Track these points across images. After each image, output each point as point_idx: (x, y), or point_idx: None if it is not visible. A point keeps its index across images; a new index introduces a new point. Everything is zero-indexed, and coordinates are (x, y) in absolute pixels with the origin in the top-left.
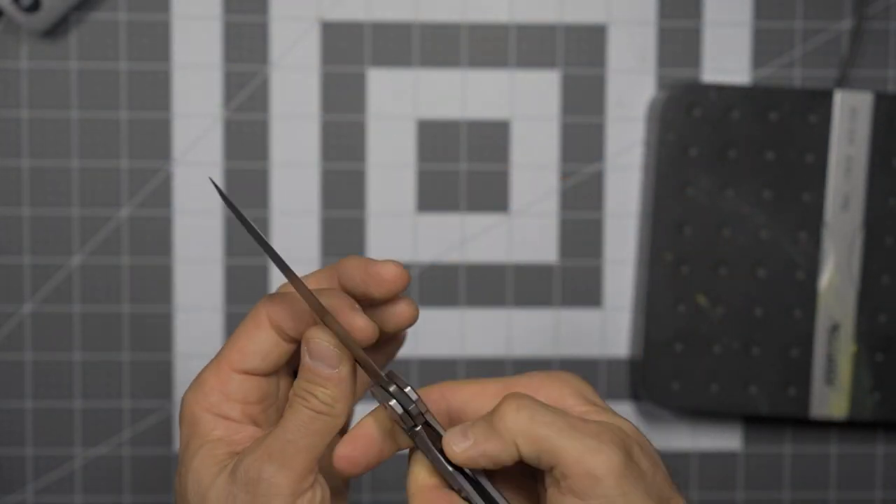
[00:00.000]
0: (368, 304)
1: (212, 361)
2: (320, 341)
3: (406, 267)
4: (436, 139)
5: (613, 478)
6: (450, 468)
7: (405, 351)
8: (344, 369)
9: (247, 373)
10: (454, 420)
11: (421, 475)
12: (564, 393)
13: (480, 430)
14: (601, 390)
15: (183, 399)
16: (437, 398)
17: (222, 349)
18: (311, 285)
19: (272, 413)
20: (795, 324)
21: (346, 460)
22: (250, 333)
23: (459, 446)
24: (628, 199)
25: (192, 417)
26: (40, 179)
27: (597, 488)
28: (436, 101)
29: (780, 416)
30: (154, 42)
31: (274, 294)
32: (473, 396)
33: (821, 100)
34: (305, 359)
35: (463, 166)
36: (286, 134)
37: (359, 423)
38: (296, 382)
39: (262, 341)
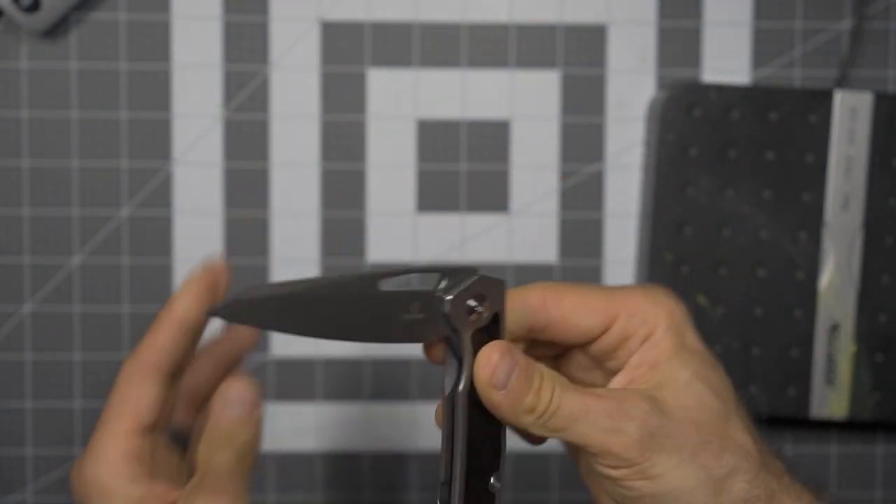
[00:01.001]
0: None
1: (99, 431)
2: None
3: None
4: (436, 139)
5: (635, 451)
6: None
7: (406, 351)
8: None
9: (142, 429)
10: (552, 330)
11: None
12: (659, 322)
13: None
14: None
15: (82, 477)
16: (538, 305)
17: (106, 415)
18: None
19: (161, 466)
20: (795, 324)
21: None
22: (139, 390)
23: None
24: (628, 199)
25: (104, 489)
26: (40, 179)
27: (623, 463)
28: (436, 101)
29: (780, 416)
30: (154, 42)
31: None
32: (574, 309)
33: (821, 100)
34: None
35: (463, 166)
36: (286, 134)
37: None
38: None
39: (152, 395)
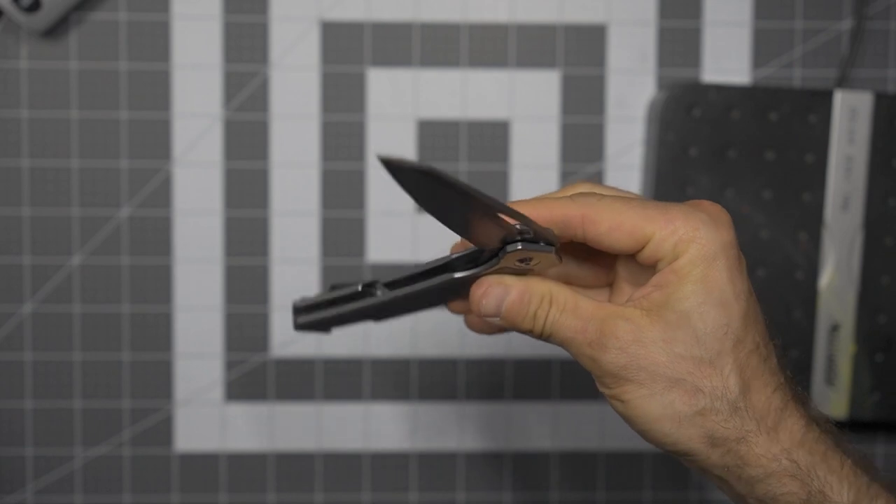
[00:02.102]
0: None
1: None
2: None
3: (406, 267)
4: (436, 139)
5: (608, 378)
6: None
7: (405, 351)
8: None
9: None
10: (592, 244)
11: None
12: (688, 250)
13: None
14: None
15: None
16: (577, 224)
17: None
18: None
19: None
20: (795, 324)
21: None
22: None
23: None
24: None
25: None
26: (40, 179)
27: (605, 379)
28: (436, 101)
29: None
30: (154, 42)
31: None
32: (609, 232)
33: (821, 100)
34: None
35: (463, 166)
36: (286, 134)
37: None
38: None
39: None
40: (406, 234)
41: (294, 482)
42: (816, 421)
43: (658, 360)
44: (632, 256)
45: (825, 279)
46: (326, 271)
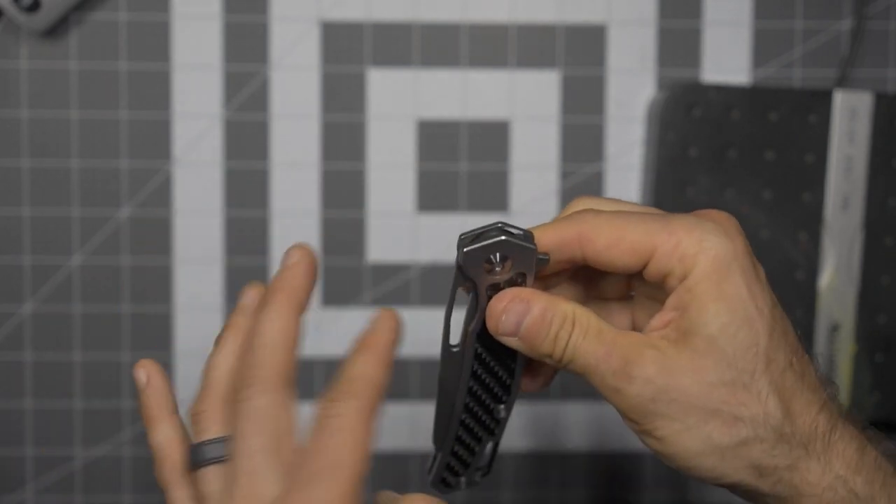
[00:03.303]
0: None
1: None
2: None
3: (406, 267)
4: (436, 139)
5: (635, 414)
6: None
7: (406, 351)
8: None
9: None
10: (592, 263)
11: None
12: (698, 261)
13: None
14: None
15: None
16: (574, 242)
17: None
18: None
19: None
20: (795, 324)
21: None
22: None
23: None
24: (628, 199)
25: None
26: (40, 179)
27: (635, 413)
28: (436, 101)
29: None
30: (154, 42)
31: None
32: (608, 248)
33: (821, 100)
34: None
35: (463, 166)
36: (286, 134)
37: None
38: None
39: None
40: (406, 234)
41: None
42: (870, 442)
43: (690, 390)
44: (639, 274)
45: (825, 279)
46: (326, 271)
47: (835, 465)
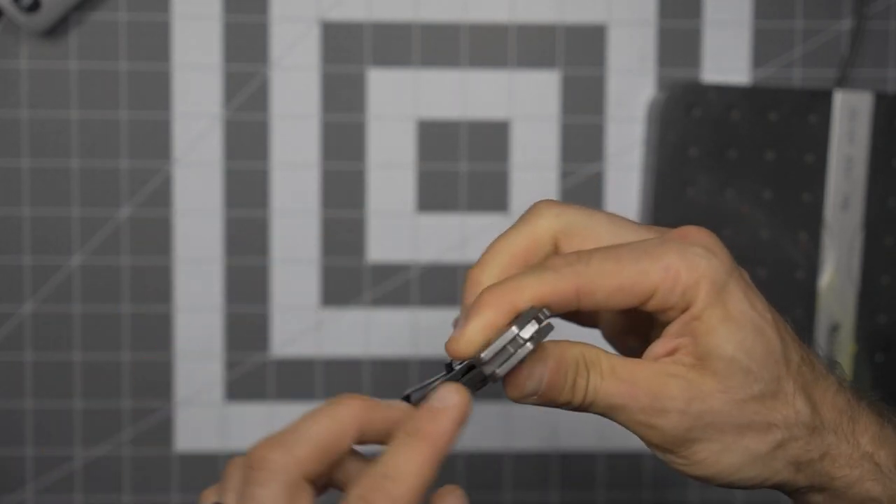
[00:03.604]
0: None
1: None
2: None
3: (406, 267)
4: (436, 139)
5: (671, 444)
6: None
7: (406, 351)
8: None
9: None
10: (583, 310)
11: None
12: (699, 292)
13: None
14: None
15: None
16: (572, 298)
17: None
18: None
19: None
20: (795, 324)
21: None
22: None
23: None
24: (628, 199)
25: None
26: (40, 179)
27: (668, 444)
28: (436, 101)
29: None
30: (154, 42)
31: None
32: (608, 298)
33: (821, 100)
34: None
35: (463, 166)
36: (286, 134)
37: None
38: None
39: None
40: (406, 234)
41: None
42: (886, 414)
43: (723, 410)
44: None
45: (825, 279)
46: (326, 271)
47: (861, 442)
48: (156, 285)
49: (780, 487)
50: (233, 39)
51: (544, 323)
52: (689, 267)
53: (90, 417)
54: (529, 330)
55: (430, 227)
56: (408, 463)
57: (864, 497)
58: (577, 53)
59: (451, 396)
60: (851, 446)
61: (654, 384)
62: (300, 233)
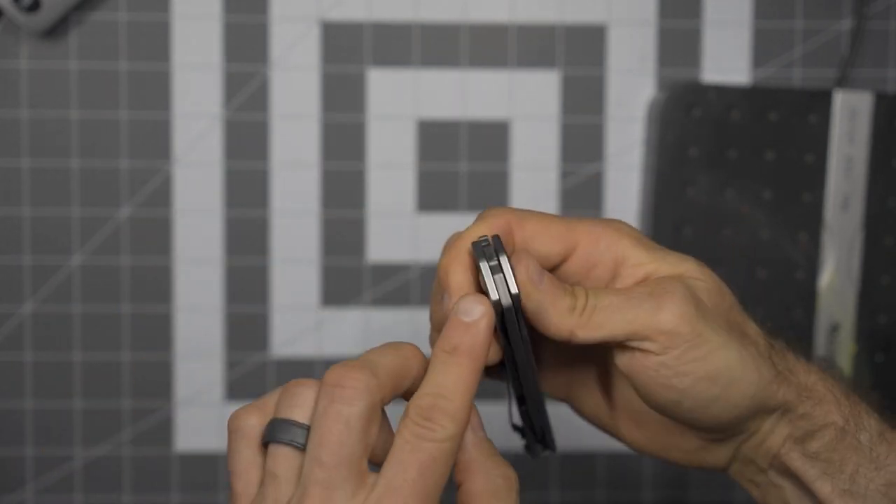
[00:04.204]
0: None
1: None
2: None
3: (406, 267)
4: (436, 139)
5: (686, 324)
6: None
7: None
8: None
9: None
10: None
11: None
12: (624, 244)
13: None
14: None
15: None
16: (504, 229)
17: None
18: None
19: None
20: (795, 324)
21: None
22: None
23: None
24: (628, 199)
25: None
26: (40, 179)
27: (675, 339)
28: (436, 101)
29: None
30: (154, 42)
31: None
32: (535, 234)
33: (821, 100)
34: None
35: (463, 166)
36: (286, 134)
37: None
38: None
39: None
40: (406, 234)
41: None
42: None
43: (712, 310)
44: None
45: (825, 279)
46: (326, 271)
47: (812, 369)
48: (156, 285)
49: (771, 403)
50: (233, 39)
51: (492, 237)
52: (615, 229)
53: (90, 417)
54: (490, 251)
55: (430, 227)
56: (454, 378)
57: (825, 422)
58: (577, 53)
59: (476, 308)
60: (803, 373)
61: (650, 280)
62: (300, 233)
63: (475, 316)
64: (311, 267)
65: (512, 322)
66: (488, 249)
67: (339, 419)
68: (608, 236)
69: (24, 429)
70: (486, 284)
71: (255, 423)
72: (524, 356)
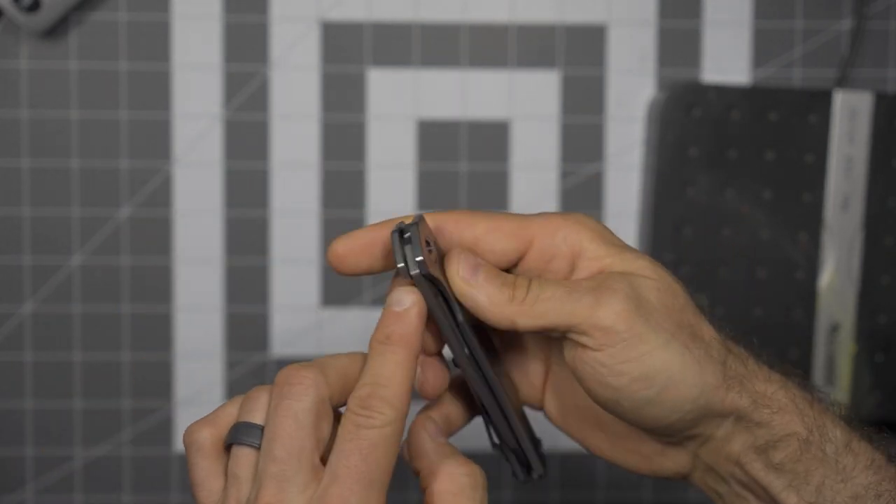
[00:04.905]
0: None
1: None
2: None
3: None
4: (436, 139)
5: (623, 322)
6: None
7: None
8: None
9: None
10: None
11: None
12: (582, 236)
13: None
14: None
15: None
16: (452, 228)
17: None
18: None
19: None
20: (795, 324)
21: (336, 257)
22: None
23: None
24: (628, 199)
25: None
26: (40, 179)
27: (611, 337)
28: (436, 101)
29: None
30: (154, 42)
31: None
32: (487, 233)
33: (821, 100)
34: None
35: (463, 166)
36: (286, 134)
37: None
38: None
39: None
40: None
41: None
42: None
43: (658, 308)
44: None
45: (825, 279)
46: (326, 271)
47: (772, 378)
48: (156, 285)
49: (714, 408)
50: (233, 39)
51: (417, 216)
52: (572, 221)
53: (90, 417)
54: (404, 224)
55: None
56: (391, 366)
57: (787, 432)
58: (577, 53)
59: (406, 297)
60: (764, 380)
61: (596, 275)
62: (300, 233)
63: (406, 305)
64: (311, 267)
65: (441, 307)
66: (407, 228)
67: (289, 414)
68: (566, 228)
69: (24, 429)
70: (395, 254)
71: (207, 435)
72: (472, 348)
